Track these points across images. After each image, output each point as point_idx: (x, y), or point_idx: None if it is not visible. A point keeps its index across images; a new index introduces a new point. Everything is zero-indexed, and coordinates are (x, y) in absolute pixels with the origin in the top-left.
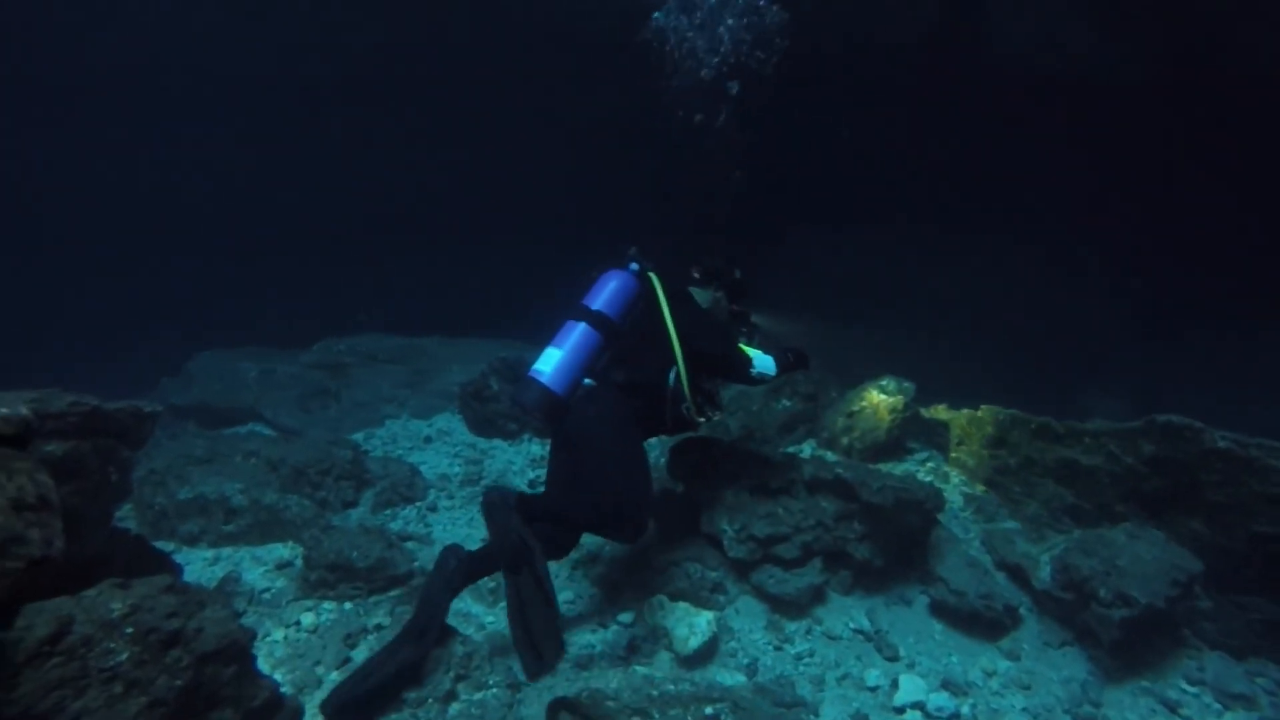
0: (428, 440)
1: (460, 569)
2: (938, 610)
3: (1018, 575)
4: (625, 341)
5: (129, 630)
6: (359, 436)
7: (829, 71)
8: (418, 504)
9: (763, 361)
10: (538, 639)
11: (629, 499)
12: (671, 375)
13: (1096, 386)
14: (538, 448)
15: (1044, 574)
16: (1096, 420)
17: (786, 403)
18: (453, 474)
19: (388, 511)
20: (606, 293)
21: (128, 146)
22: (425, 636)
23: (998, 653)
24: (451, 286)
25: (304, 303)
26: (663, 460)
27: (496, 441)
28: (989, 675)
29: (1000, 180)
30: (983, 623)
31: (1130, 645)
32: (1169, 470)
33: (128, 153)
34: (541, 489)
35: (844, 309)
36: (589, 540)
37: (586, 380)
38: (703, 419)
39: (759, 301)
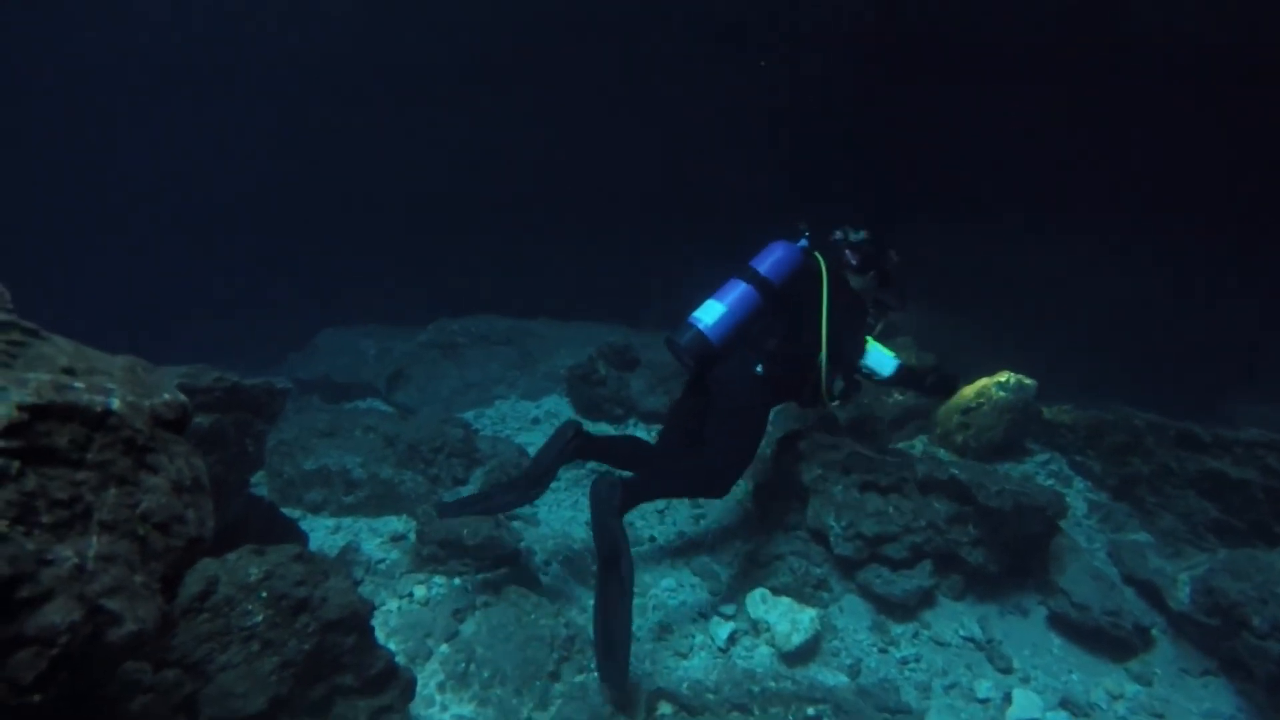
0: (535, 422)
1: (576, 444)
2: (1057, 623)
3: (1150, 593)
4: (781, 311)
5: (264, 594)
6: (470, 415)
7: (950, 49)
8: None
9: (879, 360)
10: (614, 640)
11: (725, 475)
12: (819, 356)
13: (1248, 392)
14: (643, 433)
15: (1183, 594)
16: (1252, 430)
17: (899, 396)
18: None
19: None
20: (773, 259)
21: (259, 133)
22: (532, 489)
23: (1125, 675)
24: (561, 269)
25: (420, 281)
26: (768, 451)
27: (602, 425)
28: (1114, 698)
29: (1134, 166)
30: (1108, 641)
31: None
32: None
33: (262, 139)
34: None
35: (964, 299)
36: (692, 529)
37: (758, 368)
38: (835, 400)
39: (900, 292)
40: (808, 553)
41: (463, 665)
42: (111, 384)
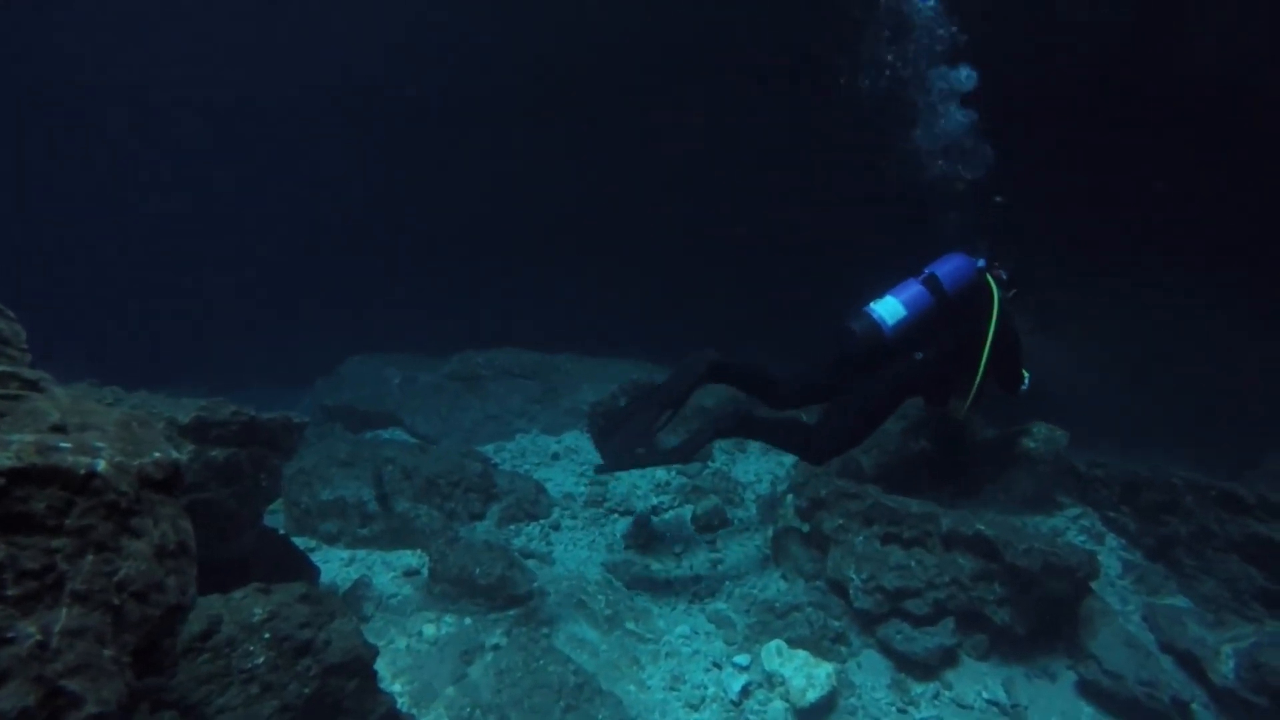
0: (555, 457)
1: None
2: (1087, 691)
3: (1189, 663)
4: (949, 320)
5: (267, 636)
6: (489, 449)
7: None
8: (541, 521)
9: (1028, 379)
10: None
11: (831, 442)
12: (968, 376)
13: None
14: (663, 473)
15: (1226, 668)
16: None
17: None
18: (577, 493)
19: (512, 527)
20: (951, 267)
21: (298, 159)
22: (665, 408)
23: None
24: (589, 304)
25: (449, 311)
26: (789, 496)
27: None
28: None
29: (1188, 204)
30: (1143, 713)
31: None
32: None
33: (300, 165)
34: (661, 501)
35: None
36: (709, 573)
37: (919, 354)
38: (965, 416)
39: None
40: (826, 604)
41: (467, 710)
42: (101, 442)
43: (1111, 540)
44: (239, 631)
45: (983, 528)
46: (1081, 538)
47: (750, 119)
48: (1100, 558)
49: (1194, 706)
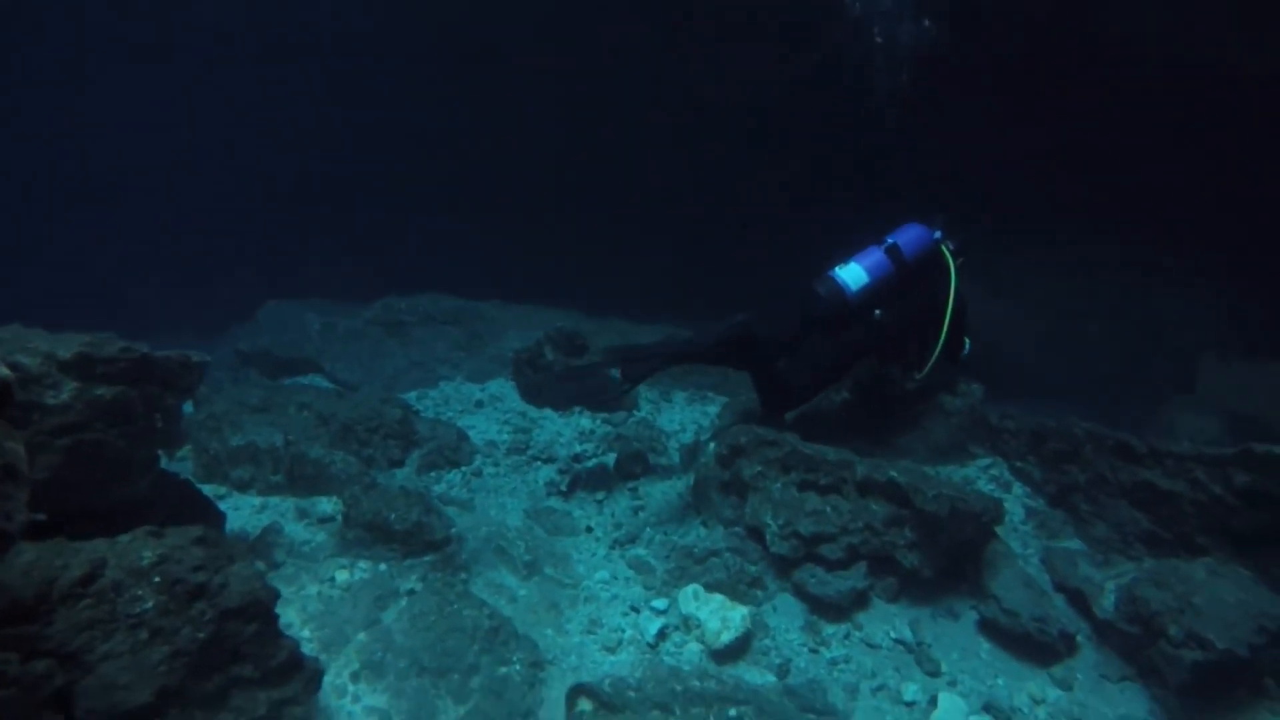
0: (479, 405)
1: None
2: (987, 628)
3: (1078, 600)
4: (906, 287)
5: (156, 579)
6: (412, 396)
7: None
8: (463, 468)
9: (969, 346)
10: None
11: (790, 395)
12: (926, 348)
13: (1185, 402)
14: (587, 421)
15: (1108, 603)
16: (1184, 442)
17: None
18: (500, 441)
19: (432, 474)
20: (910, 236)
21: (217, 102)
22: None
23: (1048, 680)
24: (517, 252)
25: (374, 259)
26: (711, 445)
27: (546, 411)
28: (1036, 703)
29: (1087, 171)
30: (1034, 646)
31: (1201, 690)
32: (1265, 505)
33: (219, 108)
34: (585, 449)
35: None
36: (630, 521)
37: (877, 312)
38: (913, 384)
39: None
40: (744, 550)
41: (379, 654)
42: None
43: (1018, 488)
44: (125, 576)
45: (895, 474)
46: (990, 486)
47: (685, 66)
48: (1006, 504)
49: (1079, 638)
